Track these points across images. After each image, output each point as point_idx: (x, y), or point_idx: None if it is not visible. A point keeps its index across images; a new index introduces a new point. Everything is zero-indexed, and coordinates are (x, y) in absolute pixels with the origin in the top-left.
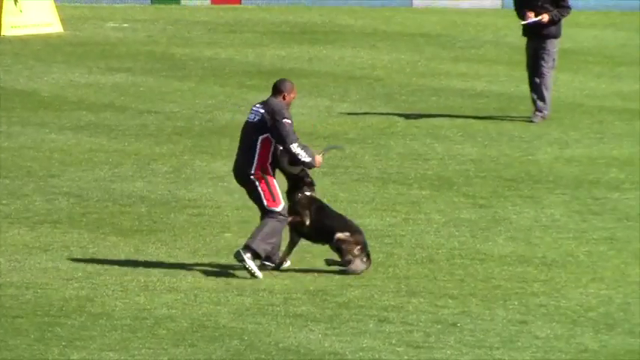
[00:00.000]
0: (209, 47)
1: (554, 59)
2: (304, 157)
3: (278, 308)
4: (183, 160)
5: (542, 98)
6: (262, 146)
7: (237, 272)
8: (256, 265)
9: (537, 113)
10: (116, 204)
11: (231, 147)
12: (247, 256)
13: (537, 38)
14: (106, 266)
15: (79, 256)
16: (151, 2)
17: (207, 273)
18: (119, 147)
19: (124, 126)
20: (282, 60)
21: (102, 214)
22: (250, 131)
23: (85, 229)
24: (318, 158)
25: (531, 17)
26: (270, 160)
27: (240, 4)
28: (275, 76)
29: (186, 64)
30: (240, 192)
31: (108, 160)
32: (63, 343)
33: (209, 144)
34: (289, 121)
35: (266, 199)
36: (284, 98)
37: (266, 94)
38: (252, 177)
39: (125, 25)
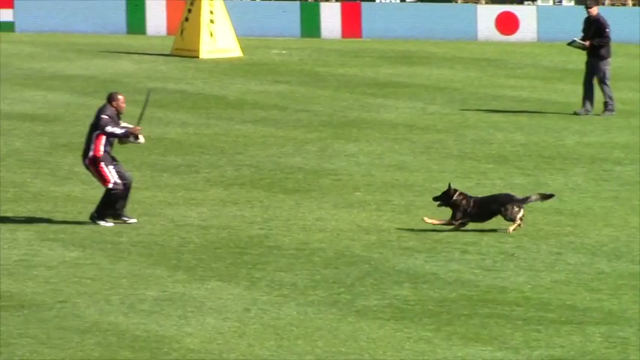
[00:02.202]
0: (341, 67)
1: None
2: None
3: (394, 243)
4: (326, 143)
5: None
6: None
7: (365, 219)
8: None
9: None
10: (282, 172)
11: (358, 135)
12: None
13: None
14: (277, 214)
15: (257, 208)
16: (301, 36)
17: (345, 219)
18: (283, 134)
19: (286, 120)
20: (390, 76)
21: (273, 179)
22: None
23: (261, 189)
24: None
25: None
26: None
27: (361, 38)
28: (388, 87)
29: (326, 78)
30: (366, 164)
31: (276, 143)
32: (249, 266)
33: (343, 132)
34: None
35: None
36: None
37: (383, 100)
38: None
39: (284, 51)
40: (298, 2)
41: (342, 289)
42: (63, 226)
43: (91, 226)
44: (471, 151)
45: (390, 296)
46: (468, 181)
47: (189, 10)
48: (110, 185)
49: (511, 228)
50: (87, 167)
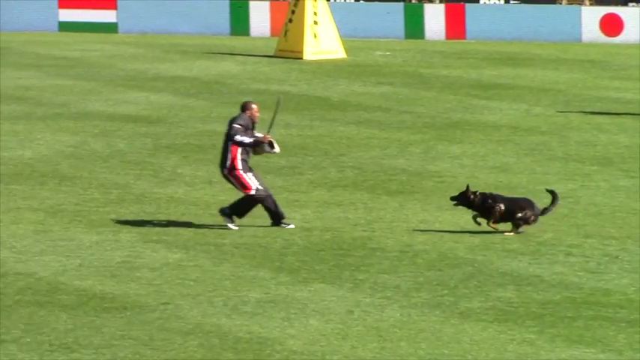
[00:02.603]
0: (445, 68)
1: None
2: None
3: (497, 245)
4: (430, 144)
5: None
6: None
7: (469, 221)
8: None
9: None
10: (386, 174)
11: (462, 137)
12: None
13: None
14: (381, 216)
15: (360, 210)
16: (405, 38)
17: (448, 221)
18: (386, 135)
19: (389, 121)
20: (494, 77)
21: (376, 180)
22: None
23: (364, 191)
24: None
25: None
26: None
27: (465, 39)
28: (492, 89)
29: (430, 80)
30: (470, 166)
31: (379, 144)
32: (352, 268)
33: (447, 134)
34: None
35: None
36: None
37: (487, 101)
38: None
39: (388, 53)
40: (402, 3)
41: (446, 291)
42: (166, 227)
43: (194, 228)
44: (575, 153)
45: (493, 298)
46: (571, 183)
47: (293, 12)
48: (252, 192)
49: (496, 228)
50: (226, 177)
